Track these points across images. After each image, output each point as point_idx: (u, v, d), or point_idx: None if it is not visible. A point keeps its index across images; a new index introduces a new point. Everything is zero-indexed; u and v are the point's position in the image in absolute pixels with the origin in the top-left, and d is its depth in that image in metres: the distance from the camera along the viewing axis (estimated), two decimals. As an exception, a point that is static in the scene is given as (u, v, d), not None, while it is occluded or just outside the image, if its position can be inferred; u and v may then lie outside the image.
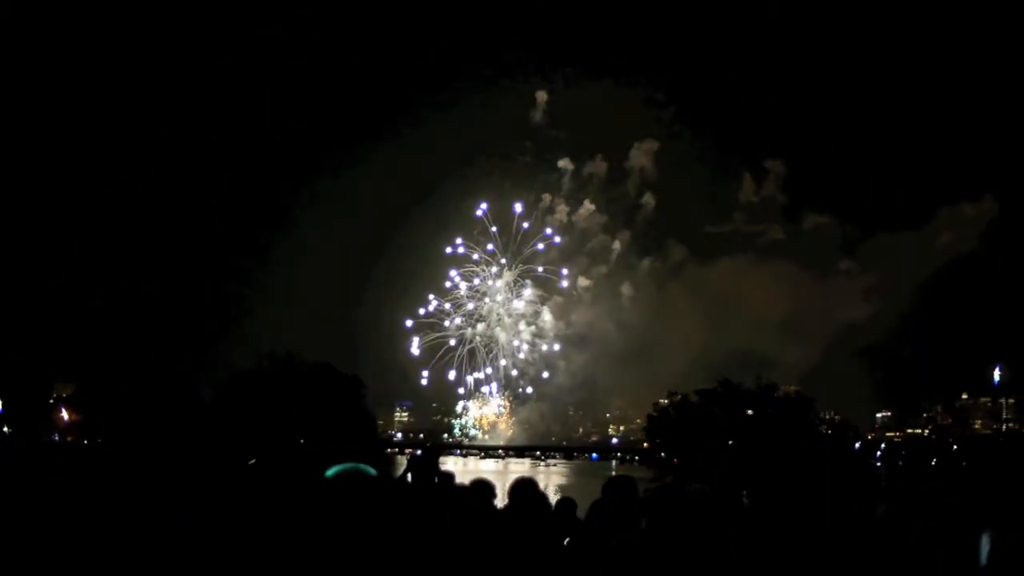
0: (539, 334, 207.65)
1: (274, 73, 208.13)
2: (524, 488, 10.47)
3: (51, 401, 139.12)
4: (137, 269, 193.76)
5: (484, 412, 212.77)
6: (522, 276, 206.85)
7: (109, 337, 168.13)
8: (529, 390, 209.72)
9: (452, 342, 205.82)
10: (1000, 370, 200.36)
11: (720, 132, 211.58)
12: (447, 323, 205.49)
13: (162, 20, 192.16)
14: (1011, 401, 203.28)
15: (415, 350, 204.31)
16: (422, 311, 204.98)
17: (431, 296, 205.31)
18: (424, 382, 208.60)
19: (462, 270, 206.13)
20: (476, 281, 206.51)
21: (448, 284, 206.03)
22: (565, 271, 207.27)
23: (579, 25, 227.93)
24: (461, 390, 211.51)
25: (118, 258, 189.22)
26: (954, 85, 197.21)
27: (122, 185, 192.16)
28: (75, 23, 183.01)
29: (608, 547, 8.92)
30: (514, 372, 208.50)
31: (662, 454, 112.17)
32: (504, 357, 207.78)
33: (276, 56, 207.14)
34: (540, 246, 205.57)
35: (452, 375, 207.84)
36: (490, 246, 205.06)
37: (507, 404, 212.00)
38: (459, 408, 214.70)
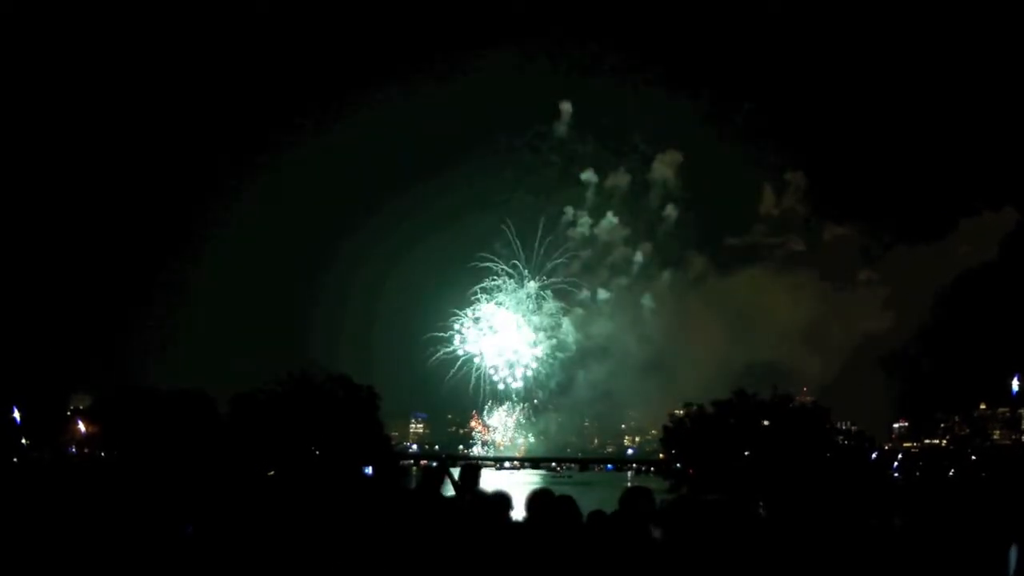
0: (559, 346, 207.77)
1: (288, 78, 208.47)
2: (541, 500, 10.44)
3: (68, 413, 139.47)
4: (152, 281, 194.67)
5: (501, 438, 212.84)
6: (543, 288, 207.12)
7: (126, 349, 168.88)
8: (548, 400, 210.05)
9: (470, 354, 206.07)
10: (1019, 380, 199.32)
11: (741, 144, 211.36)
12: (466, 335, 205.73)
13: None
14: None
15: (431, 361, 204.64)
16: (441, 323, 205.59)
17: (450, 308, 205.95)
18: (440, 394, 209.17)
19: (482, 282, 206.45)
20: (496, 293, 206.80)
21: (468, 295, 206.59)
22: (586, 284, 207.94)
23: (604, 38, 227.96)
24: (480, 417, 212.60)
25: (135, 271, 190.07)
26: (975, 96, 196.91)
27: (136, 201, 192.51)
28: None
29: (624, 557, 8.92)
30: (533, 383, 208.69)
31: (678, 465, 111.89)
32: (522, 369, 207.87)
33: (296, 66, 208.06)
34: (562, 259, 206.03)
35: (469, 387, 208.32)
36: (512, 259, 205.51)
37: (520, 419, 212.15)
38: (476, 435, 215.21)
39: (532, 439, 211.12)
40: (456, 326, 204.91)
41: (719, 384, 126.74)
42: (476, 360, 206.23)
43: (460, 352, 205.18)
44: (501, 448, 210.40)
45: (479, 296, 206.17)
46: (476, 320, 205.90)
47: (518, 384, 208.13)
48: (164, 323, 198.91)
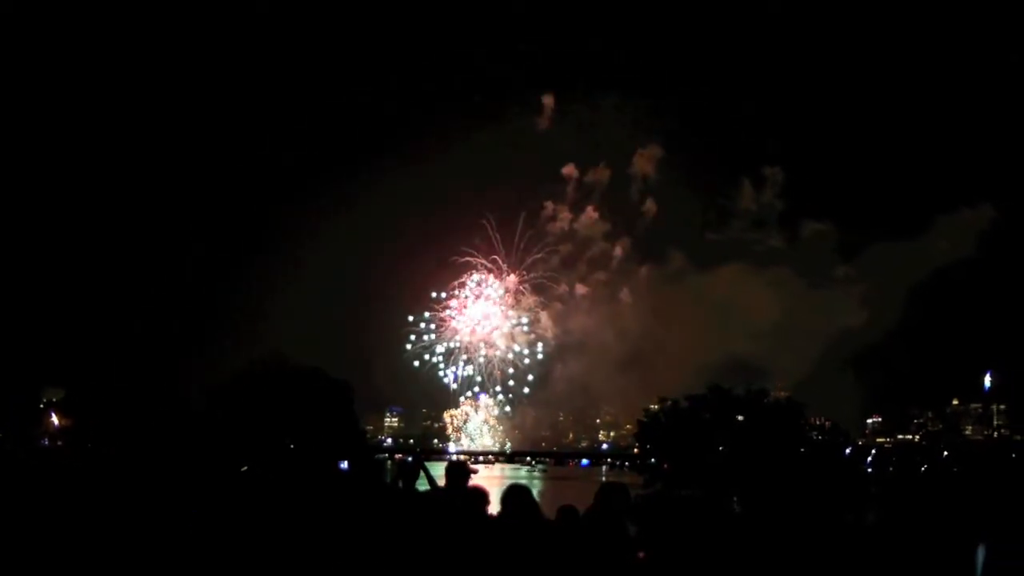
0: (537, 340, 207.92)
1: (272, 72, 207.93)
2: (517, 495, 10.48)
3: (41, 406, 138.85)
4: (125, 274, 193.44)
5: (475, 433, 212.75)
6: (522, 283, 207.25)
7: (98, 342, 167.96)
8: (524, 394, 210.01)
9: (447, 348, 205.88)
10: (991, 376, 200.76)
11: (721, 140, 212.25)
12: (443, 329, 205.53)
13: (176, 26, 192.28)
14: (1002, 407, 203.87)
15: (407, 355, 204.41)
16: (418, 317, 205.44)
17: (428, 302, 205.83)
18: (416, 387, 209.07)
19: (461, 277, 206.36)
20: (475, 287, 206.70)
21: (446, 291, 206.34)
22: (565, 279, 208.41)
23: (584, 36, 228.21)
24: (462, 402, 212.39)
25: (106, 263, 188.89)
26: (952, 93, 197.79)
27: (111, 189, 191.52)
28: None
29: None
30: (510, 377, 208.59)
31: (652, 460, 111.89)
32: (500, 363, 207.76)
33: (277, 57, 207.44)
34: (541, 254, 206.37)
35: (446, 381, 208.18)
36: (492, 254, 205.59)
37: (495, 413, 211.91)
38: (451, 430, 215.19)
39: (507, 434, 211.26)
40: (434, 320, 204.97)
41: (696, 379, 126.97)
42: (453, 354, 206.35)
43: (437, 346, 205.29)
44: (476, 442, 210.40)
45: (457, 291, 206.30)
46: (454, 314, 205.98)
47: (495, 378, 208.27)
48: (138, 315, 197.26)
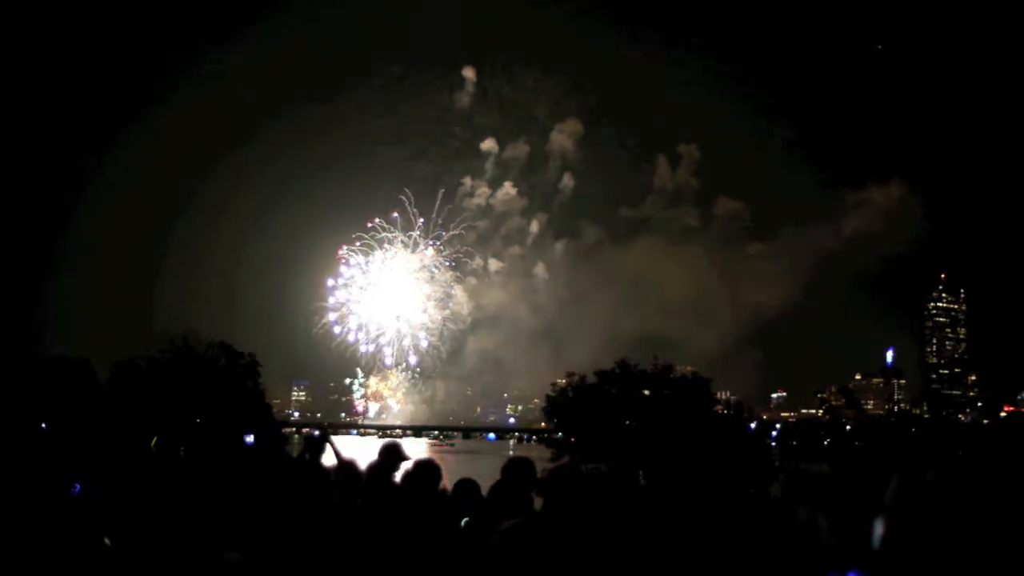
0: (450, 316, 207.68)
1: (193, 28, 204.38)
2: (423, 470, 10.49)
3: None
4: (26, 245, 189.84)
5: (385, 406, 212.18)
6: (438, 257, 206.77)
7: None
8: (435, 369, 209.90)
9: (358, 322, 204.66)
10: (893, 352, 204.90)
11: (638, 117, 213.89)
12: (355, 303, 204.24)
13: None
14: (902, 382, 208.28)
15: (317, 329, 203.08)
16: (329, 290, 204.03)
17: (341, 276, 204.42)
18: (324, 362, 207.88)
19: (376, 251, 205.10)
20: (390, 262, 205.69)
21: (361, 264, 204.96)
22: (480, 254, 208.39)
23: (507, 11, 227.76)
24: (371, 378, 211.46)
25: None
26: (864, 71, 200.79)
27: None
28: None
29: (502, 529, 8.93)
30: (421, 351, 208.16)
31: (560, 434, 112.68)
32: (412, 337, 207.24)
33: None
34: (458, 229, 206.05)
35: (356, 354, 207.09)
36: (409, 229, 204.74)
37: (404, 387, 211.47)
38: (359, 403, 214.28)
39: (414, 407, 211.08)
40: (345, 295, 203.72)
41: (608, 354, 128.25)
42: (363, 328, 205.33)
43: (347, 321, 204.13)
44: (383, 416, 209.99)
45: (371, 264, 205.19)
46: (367, 289, 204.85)
47: (406, 352, 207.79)
48: (40, 291, 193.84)
